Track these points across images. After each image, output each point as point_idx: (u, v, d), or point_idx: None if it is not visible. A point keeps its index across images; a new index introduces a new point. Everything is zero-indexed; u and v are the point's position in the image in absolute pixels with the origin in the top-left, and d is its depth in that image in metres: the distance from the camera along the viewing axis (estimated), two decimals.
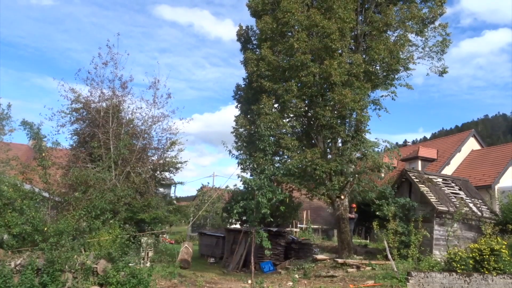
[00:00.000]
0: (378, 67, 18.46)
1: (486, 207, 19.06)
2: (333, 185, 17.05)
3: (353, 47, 18.96)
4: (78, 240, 12.61)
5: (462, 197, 18.73)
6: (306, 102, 17.92)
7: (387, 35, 18.50)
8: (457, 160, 34.26)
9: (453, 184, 19.80)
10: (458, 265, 13.53)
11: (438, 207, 17.14)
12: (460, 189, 19.50)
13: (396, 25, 18.31)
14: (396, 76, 19.21)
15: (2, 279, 10.71)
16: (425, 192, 17.91)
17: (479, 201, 19.30)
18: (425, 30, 19.42)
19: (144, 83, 56.08)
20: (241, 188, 16.10)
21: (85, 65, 44.00)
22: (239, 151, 18.54)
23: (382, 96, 19.16)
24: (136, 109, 22.03)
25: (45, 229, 12.23)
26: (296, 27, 17.11)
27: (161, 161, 23.06)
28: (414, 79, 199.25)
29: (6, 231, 12.28)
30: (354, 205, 22.22)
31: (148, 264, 14.37)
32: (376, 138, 18.36)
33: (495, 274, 13.34)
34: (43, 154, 14.43)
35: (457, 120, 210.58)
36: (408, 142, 49.52)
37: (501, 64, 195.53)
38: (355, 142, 17.53)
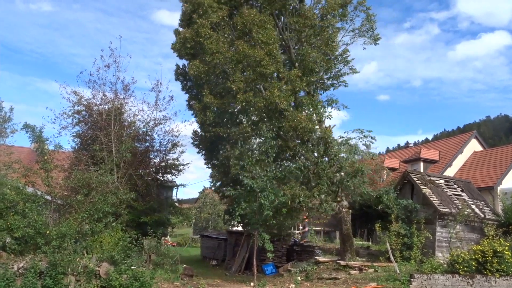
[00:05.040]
0: (321, 73, 17.90)
1: (489, 209, 19.01)
2: (326, 200, 16.68)
3: (287, 61, 18.22)
4: (80, 243, 12.62)
5: (464, 199, 18.69)
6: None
7: (315, 34, 17.50)
8: (459, 162, 34.21)
9: (455, 186, 19.77)
10: (461, 267, 13.48)
11: (441, 209, 17.11)
12: (462, 191, 19.45)
13: (320, 24, 17.43)
14: (341, 73, 18.69)
15: (5, 282, 10.71)
16: (427, 193, 17.88)
17: (482, 202, 19.25)
18: (346, 12, 18.49)
19: (147, 86, 56.15)
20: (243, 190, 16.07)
21: (89, 69, 43.82)
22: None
23: (333, 87, 18.68)
24: (138, 112, 22.10)
25: (48, 232, 12.24)
26: (227, 64, 16.08)
27: (163, 164, 23.09)
28: (413, 81, 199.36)
29: (8, 234, 12.29)
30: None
31: (150, 267, 14.36)
32: (345, 132, 17.29)
33: (498, 276, 13.30)
34: (45, 157, 14.45)
35: (458, 121, 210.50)
36: (410, 143, 49.41)
37: (499, 67, 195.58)
38: (329, 157, 16.80)
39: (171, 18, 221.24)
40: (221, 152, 17.94)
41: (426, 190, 18.13)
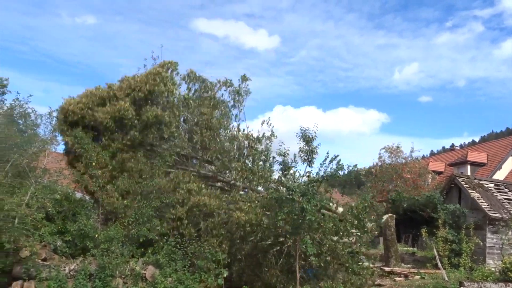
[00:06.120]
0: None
1: None
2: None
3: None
4: (127, 247, 12.98)
5: None
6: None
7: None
8: (509, 165, 32.76)
9: (506, 190, 18.94)
10: None
11: (491, 214, 16.43)
12: None
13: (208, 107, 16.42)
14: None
15: (58, 284, 11.21)
16: (476, 198, 17.23)
17: None
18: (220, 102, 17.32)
19: None
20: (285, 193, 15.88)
21: None
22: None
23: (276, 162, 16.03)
24: None
25: (96, 235, 12.69)
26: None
27: None
28: (457, 82, 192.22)
29: (59, 238, 12.84)
30: None
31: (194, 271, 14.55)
32: (308, 177, 14.54)
33: None
34: (93, 164, 14.98)
35: (507, 122, 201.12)
36: (456, 146, 47.69)
37: None
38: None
39: (209, 25, 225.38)
40: None
41: (474, 194, 17.47)
